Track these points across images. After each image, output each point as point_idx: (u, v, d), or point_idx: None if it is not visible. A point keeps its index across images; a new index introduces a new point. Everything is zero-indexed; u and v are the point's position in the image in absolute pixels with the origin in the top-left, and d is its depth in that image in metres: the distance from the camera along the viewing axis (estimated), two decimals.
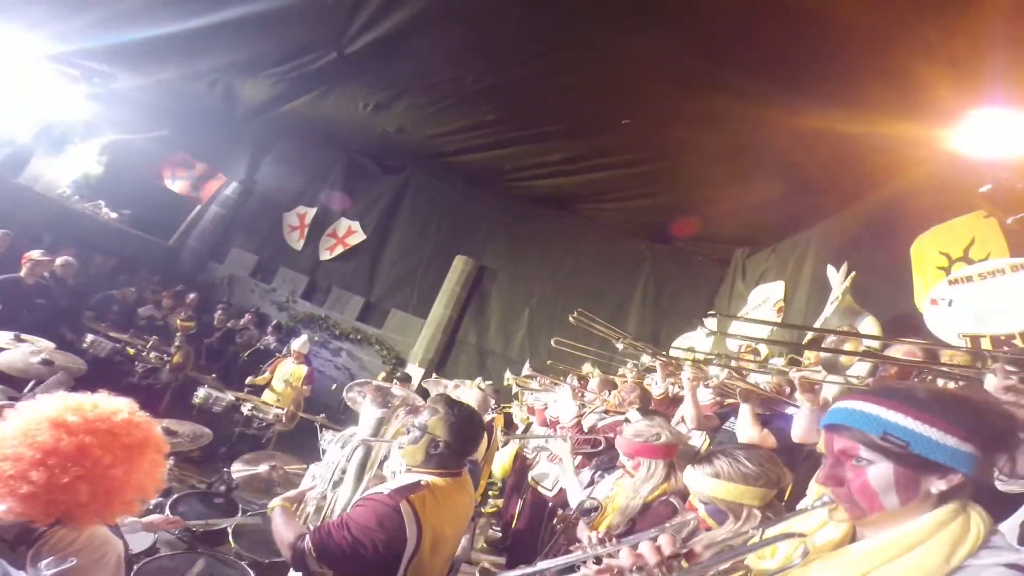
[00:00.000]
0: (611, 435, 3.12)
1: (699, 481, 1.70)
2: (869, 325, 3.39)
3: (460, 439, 1.95)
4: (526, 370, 5.72)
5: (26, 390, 3.31)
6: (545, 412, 4.44)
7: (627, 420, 2.82)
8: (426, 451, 1.93)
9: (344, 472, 2.12)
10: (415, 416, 2.05)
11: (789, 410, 2.73)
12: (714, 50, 3.96)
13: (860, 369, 2.88)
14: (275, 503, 1.96)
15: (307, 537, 1.75)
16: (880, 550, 0.93)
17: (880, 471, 0.94)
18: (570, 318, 3.39)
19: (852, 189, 4.84)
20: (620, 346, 3.31)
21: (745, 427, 2.68)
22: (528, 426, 5.44)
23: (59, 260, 5.79)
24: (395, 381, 6.57)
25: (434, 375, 7.53)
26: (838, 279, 4.67)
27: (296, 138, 10.27)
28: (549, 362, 6.17)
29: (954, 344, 2.49)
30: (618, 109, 5.31)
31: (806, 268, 5.48)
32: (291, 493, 2.07)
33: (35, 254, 5.35)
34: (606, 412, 3.60)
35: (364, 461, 2.14)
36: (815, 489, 1.34)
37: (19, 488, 1.18)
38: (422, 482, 1.85)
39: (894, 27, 3.03)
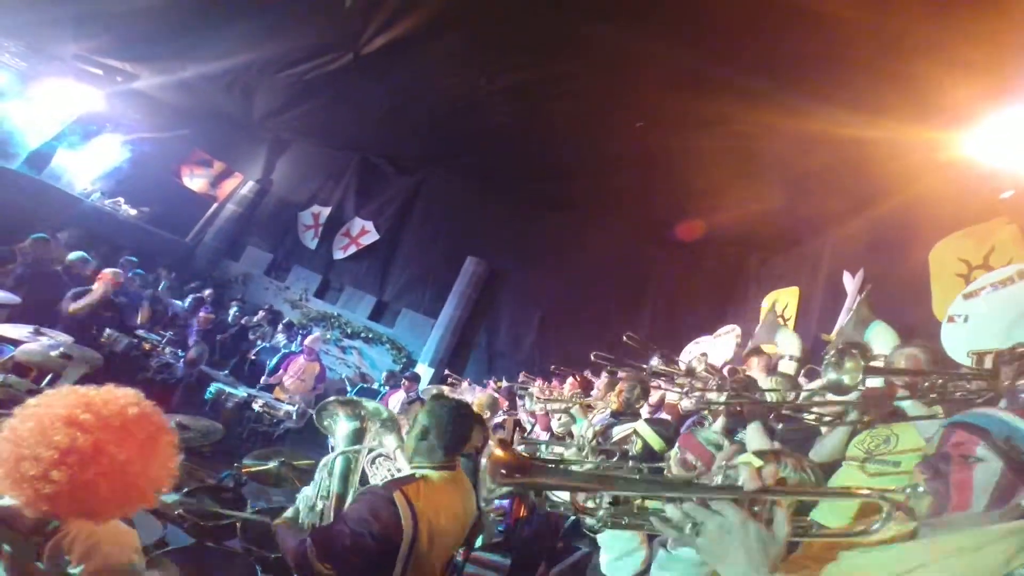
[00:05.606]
0: (626, 447, 3.06)
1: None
2: (880, 332, 3.29)
3: (443, 429, 2.05)
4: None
5: (44, 383, 3.37)
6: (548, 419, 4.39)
7: (635, 432, 2.75)
8: (416, 440, 2.07)
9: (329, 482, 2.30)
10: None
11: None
12: (729, 55, 3.94)
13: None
14: (277, 522, 2.15)
15: (308, 539, 1.84)
16: (944, 543, 0.94)
17: (988, 469, 0.97)
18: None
19: (869, 194, 4.76)
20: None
21: (755, 443, 2.61)
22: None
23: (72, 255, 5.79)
24: (404, 380, 6.61)
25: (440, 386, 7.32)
26: (854, 286, 4.61)
27: (312, 138, 10.38)
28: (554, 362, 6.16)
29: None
30: (632, 113, 5.29)
31: (821, 274, 5.40)
32: (289, 513, 2.24)
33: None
34: (613, 415, 3.53)
35: (345, 471, 2.31)
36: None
37: (43, 488, 1.20)
38: (416, 475, 1.98)
39: (907, 29, 2.98)
